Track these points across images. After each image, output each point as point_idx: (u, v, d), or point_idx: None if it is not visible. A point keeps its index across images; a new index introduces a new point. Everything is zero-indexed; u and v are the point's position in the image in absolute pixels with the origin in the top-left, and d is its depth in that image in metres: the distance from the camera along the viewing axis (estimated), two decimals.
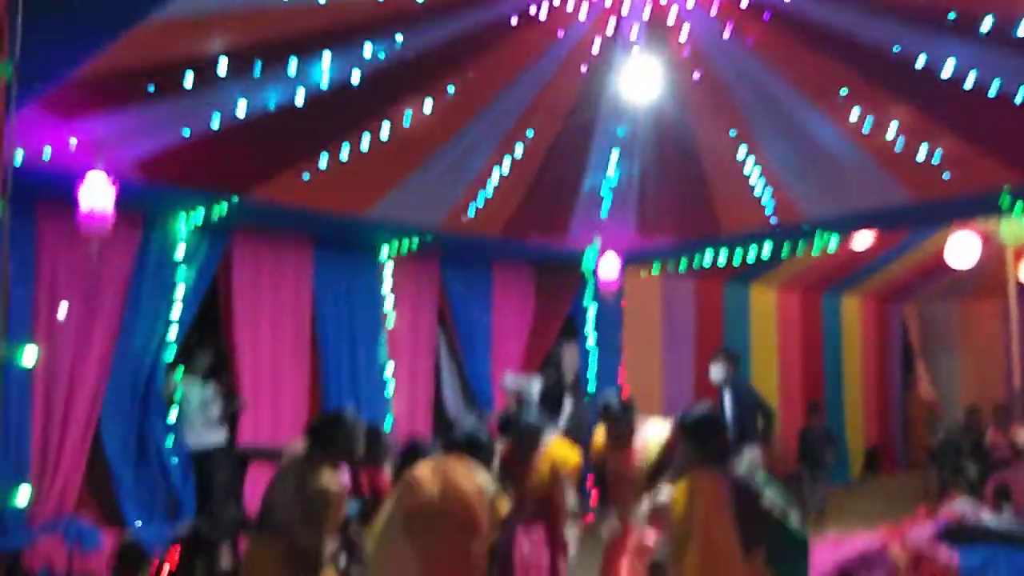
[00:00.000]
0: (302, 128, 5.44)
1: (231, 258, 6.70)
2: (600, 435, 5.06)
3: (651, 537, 4.53)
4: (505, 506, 3.85)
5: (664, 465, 4.69)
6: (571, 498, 4.78)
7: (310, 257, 7.16)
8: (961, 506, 6.87)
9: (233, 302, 6.70)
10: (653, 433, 4.84)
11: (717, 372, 7.46)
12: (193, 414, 6.44)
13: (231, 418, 6.64)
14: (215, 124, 5.03)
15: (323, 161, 5.75)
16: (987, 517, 6.10)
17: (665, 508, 3.54)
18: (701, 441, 3.54)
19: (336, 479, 3.70)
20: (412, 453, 4.29)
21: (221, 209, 6.11)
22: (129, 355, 6.11)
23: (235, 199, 5.97)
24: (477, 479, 3.75)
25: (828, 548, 6.54)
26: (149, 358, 6.22)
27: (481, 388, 8.21)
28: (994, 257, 9.43)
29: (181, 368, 6.51)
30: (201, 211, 6.20)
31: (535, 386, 7.92)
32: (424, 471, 3.80)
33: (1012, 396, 9.87)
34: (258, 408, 6.70)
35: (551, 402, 8.25)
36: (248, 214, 6.28)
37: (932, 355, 13.24)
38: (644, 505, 4.51)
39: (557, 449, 4.87)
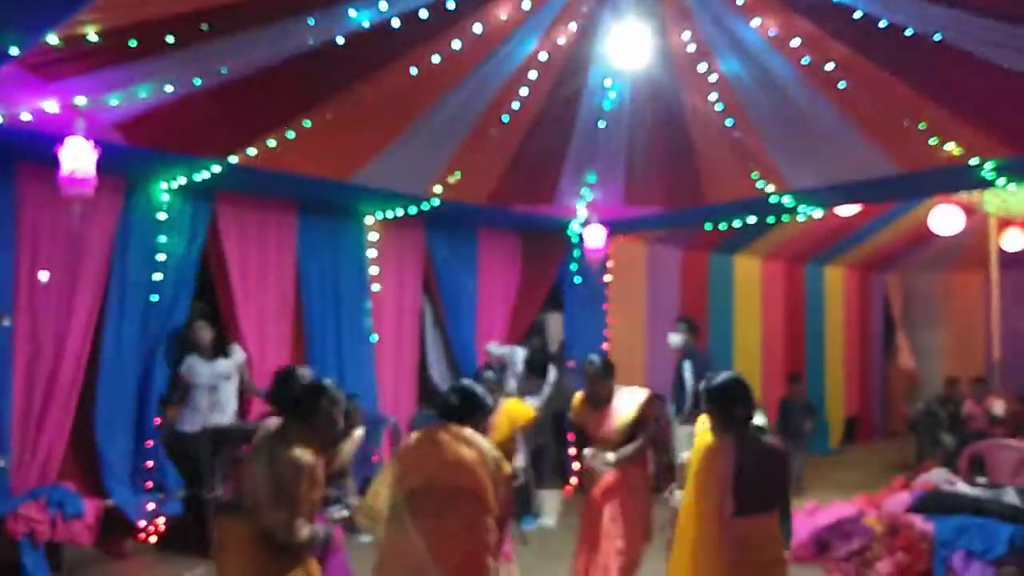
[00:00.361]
0: (287, 91, 5.37)
1: (216, 223, 6.65)
2: (579, 396, 5.20)
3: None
4: (508, 468, 3.66)
5: (637, 429, 4.88)
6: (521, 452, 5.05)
7: (294, 222, 7.11)
8: (937, 476, 6.99)
9: (219, 268, 6.67)
10: (629, 397, 4.95)
11: (676, 339, 7.46)
12: (199, 394, 6.34)
13: (239, 397, 6.59)
14: (198, 86, 4.96)
15: (308, 125, 5.69)
16: (962, 487, 6.22)
17: (683, 467, 3.56)
18: (723, 406, 3.59)
19: (309, 453, 3.26)
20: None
21: (205, 173, 6.06)
22: (118, 324, 6.09)
23: (219, 163, 5.91)
24: (477, 445, 3.55)
25: (805, 517, 6.66)
26: (138, 326, 6.20)
27: (466, 355, 8.23)
28: (977, 228, 9.52)
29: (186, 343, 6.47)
30: (184, 175, 6.14)
31: (519, 355, 7.97)
32: (420, 445, 3.64)
33: (990, 368, 10.02)
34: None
35: (536, 370, 8.30)
36: (232, 178, 6.23)
37: (913, 326, 13.37)
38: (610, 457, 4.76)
39: (513, 406, 5.14)
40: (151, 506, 6.17)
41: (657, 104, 6.15)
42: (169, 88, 4.91)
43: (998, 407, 8.96)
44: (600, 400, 4.98)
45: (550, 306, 9.20)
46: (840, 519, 6.43)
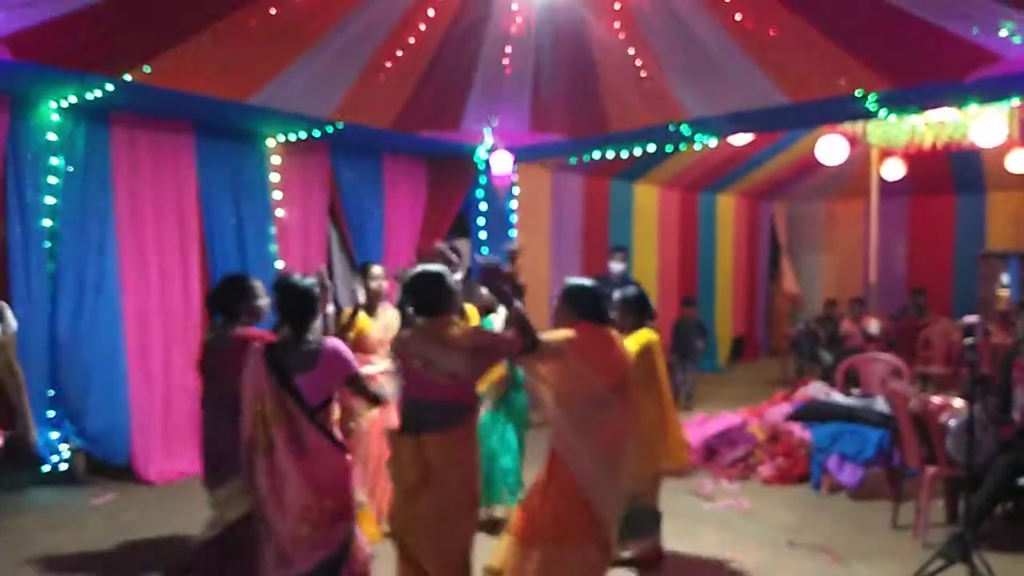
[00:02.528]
0: (184, 4, 5.17)
1: (108, 145, 6.39)
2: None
3: None
4: None
5: None
6: None
7: (192, 144, 6.89)
8: (814, 389, 7.55)
9: (111, 192, 6.44)
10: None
11: (619, 267, 7.78)
12: None
13: None
14: None
15: (204, 42, 5.50)
16: (837, 398, 6.75)
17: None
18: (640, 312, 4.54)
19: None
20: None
21: (96, 92, 5.80)
22: (17, 249, 5.90)
23: (111, 81, 5.67)
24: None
25: (695, 427, 7.11)
26: (32, 251, 5.98)
27: None
28: (860, 158, 10.06)
29: None
30: (75, 94, 5.87)
31: None
32: (600, 342, 3.69)
33: (867, 290, 10.74)
34: (146, 302, 6.56)
35: None
36: (126, 97, 5.99)
37: (798, 251, 14.11)
38: None
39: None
40: (55, 436, 6.08)
41: (562, 31, 6.20)
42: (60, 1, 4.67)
43: (873, 326, 9.65)
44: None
45: (457, 232, 9.28)
46: (726, 428, 6.92)
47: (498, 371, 5.07)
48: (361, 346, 4.94)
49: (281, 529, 3.31)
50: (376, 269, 5.25)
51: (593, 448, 3.50)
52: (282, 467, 3.29)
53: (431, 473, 3.43)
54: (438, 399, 3.48)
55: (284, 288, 3.49)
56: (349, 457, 3.49)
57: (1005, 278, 11.89)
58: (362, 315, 5.04)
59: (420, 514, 3.45)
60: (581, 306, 3.74)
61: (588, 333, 3.66)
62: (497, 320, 5.15)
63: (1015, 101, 6.67)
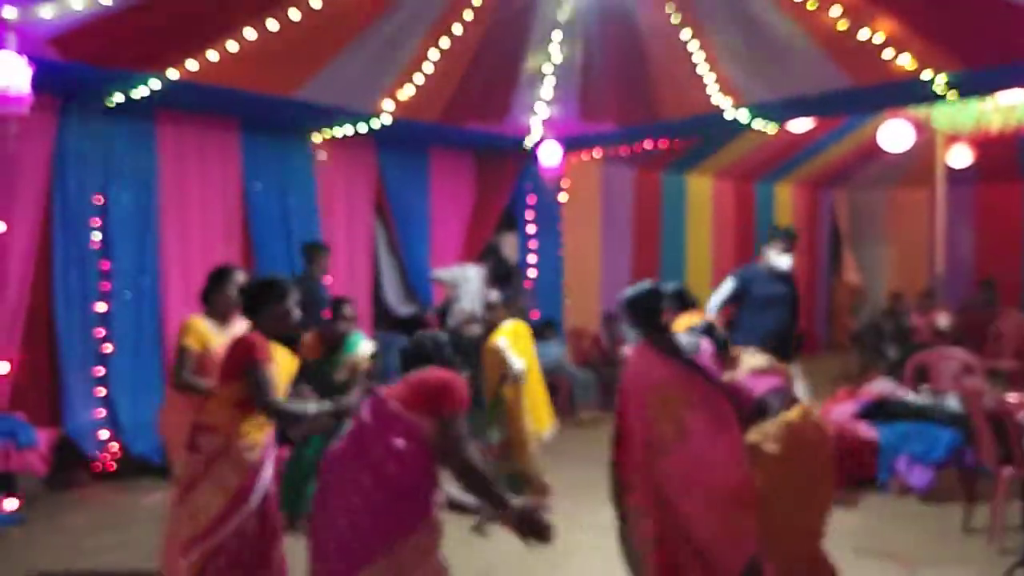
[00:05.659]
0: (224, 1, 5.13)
1: (154, 143, 6.40)
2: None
3: None
4: None
5: None
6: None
7: (237, 141, 6.87)
8: (881, 386, 7.21)
9: (157, 190, 6.44)
10: None
11: (782, 259, 6.06)
12: None
13: None
14: None
15: (248, 37, 5.45)
16: (905, 395, 6.43)
17: None
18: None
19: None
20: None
21: (143, 89, 5.79)
22: (65, 249, 5.93)
23: (157, 78, 5.65)
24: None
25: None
26: (86, 250, 6.02)
27: (420, 278, 8.17)
28: (925, 145, 9.63)
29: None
30: (121, 91, 5.86)
31: (471, 272, 7.88)
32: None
33: (932, 282, 10.30)
34: (190, 302, 6.54)
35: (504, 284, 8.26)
36: (170, 95, 5.96)
37: (860, 242, 13.64)
38: None
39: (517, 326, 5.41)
40: (104, 435, 6.10)
41: (612, 16, 6.01)
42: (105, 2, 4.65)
43: (943, 320, 9.23)
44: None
45: (505, 226, 9.14)
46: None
47: None
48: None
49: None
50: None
51: None
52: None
53: None
54: None
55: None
56: None
57: None
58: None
59: None
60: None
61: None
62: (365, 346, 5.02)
63: None
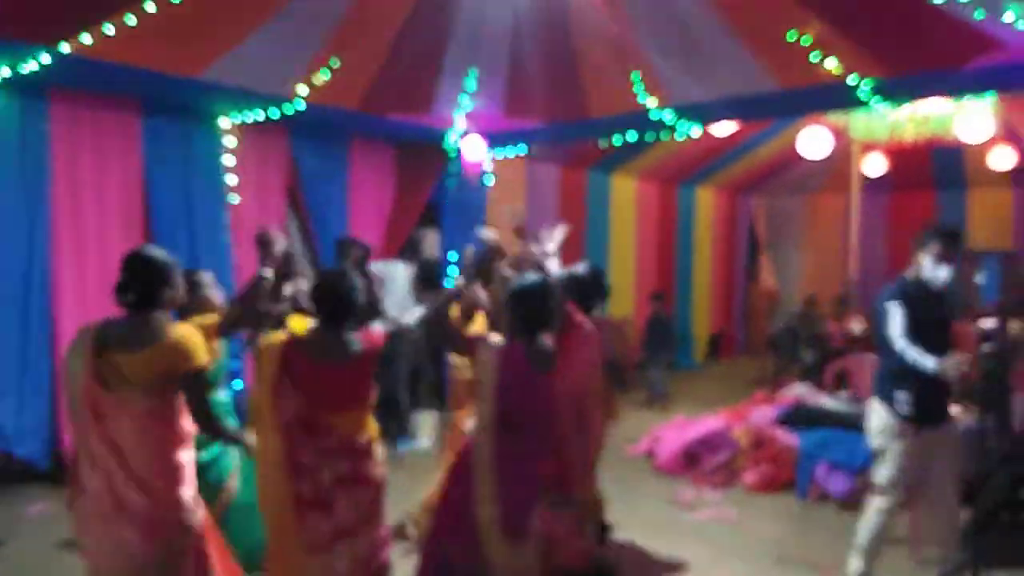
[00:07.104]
0: None
1: (47, 123, 5.88)
2: (455, 309, 4.97)
3: None
4: None
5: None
6: None
7: (138, 123, 6.39)
8: (799, 390, 7.22)
9: (49, 174, 5.93)
10: None
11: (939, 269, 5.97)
12: None
13: None
14: None
15: (148, 11, 5.04)
16: (825, 401, 6.42)
17: None
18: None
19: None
20: None
21: (32, 64, 5.29)
22: None
23: (48, 51, 5.17)
24: None
25: (675, 431, 6.76)
26: None
27: None
28: (842, 152, 9.79)
29: None
30: (8, 65, 5.36)
31: (398, 271, 7.61)
32: None
33: (847, 288, 10.48)
34: (84, 294, 6.07)
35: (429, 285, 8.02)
36: (64, 71, 5.47)
37: (777, 247, 13.85)
38: None
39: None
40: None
41: (542, 10, 5.81)
42: None
43: (857, 325, 9.36)
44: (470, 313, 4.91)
45: (427, 222, 8.86)
46: (708, 432, 6.56)
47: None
48: None
49: None
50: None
51: None
52: None
53: None
54: None
55: None
56: None
57: (980, 277, 11.68)
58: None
59: None
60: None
61: None
62: None
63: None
